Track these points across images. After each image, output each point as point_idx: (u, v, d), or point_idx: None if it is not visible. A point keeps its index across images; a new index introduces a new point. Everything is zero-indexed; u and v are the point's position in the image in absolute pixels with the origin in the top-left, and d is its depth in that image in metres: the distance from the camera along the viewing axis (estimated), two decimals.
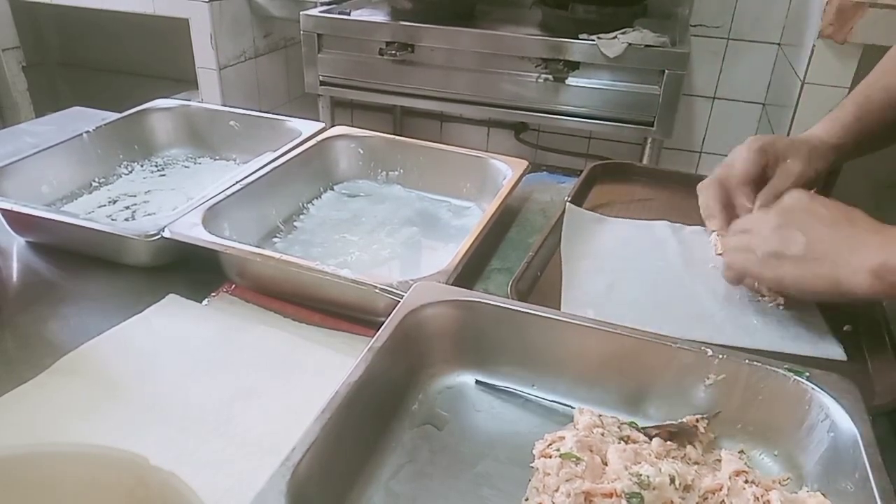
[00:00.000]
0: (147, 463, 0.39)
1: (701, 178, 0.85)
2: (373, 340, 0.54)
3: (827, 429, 0.49)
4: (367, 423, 0.52)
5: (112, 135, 0.98)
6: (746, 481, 0.47)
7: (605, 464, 0.48)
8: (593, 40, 1.58)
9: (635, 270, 0.75)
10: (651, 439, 0.52)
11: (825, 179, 0.81)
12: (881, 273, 0.56)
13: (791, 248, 0.62)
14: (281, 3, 2.02)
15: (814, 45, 1.52)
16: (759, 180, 0.77)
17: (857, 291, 0.58)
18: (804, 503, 0.46)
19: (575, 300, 0.70)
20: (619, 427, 0.53)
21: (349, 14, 1.78)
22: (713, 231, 0.79)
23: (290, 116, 1.02)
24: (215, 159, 1.04)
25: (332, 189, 0.96)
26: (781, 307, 0.68)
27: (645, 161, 1.72)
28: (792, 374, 0.52)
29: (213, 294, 0.72)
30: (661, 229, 0.83)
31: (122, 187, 0.95)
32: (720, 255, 0.76)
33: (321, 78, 1.82)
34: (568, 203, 0.85)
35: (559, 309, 0.68)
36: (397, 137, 1.00)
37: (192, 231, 0.72)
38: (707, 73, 2.08)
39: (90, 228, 0.74)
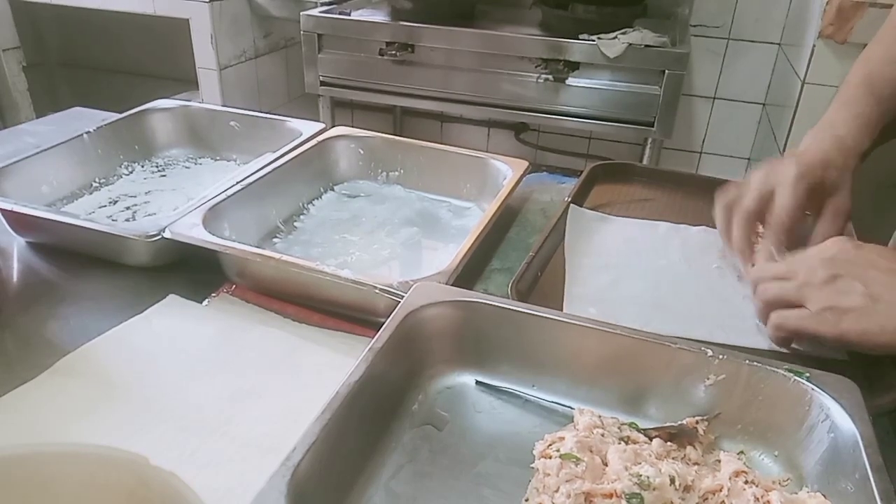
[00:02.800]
0: (147, 463, 0.39)
1: (701, 178, 0.85)
2: (373, 341, 0.54)
3: (827, 429, 0.49)
4: (367, 423, 0.52)
5: (112, 135, 0.98)
6: (746, 482, 0.47)
7: (606, 464, 0.48)
8: (593, 40, 1.58)
9: (638, 269, 0.75)
10: (651, 440, 0.52)
11: None
12: None
13: (850, 300, 0.56)
14: (281, 3, 2.02)
15: (814, 45, 1.52)
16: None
17: None
18: None
19: (578, 298, 0.70)
20: (619, 428, 0.53)
21: (349, 14, 1.78)
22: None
23: (291, 117, 1.02)
24: (215, 160, 1.04)
25: (332, 189, 0.96)
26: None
27: (645, 161, 1.72)
28: (792, 374, 0.52)
29: (213, 294, 0.72)
30: (666, 229, 0.83)
31: (122, 188, 0.95)
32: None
33: (321, 78, 1.83)
34: (571, 205, 0.85)
35: (561, 308, 0.68)
36: (397, 138, 1.00)
37: (193, 231, 0.72)
38: (707, 73, 2.08)
39: (90, 229, 0.74)
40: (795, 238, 0.69)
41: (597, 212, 0.86)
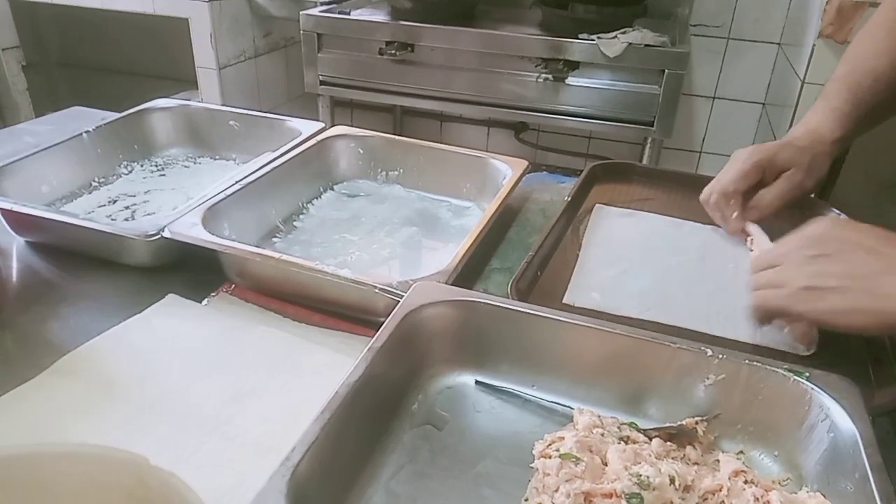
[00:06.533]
0: (147, 463, 0.39)
1: (701, 178, 0.85)
2: (373, 340, 0.54)
3: (827, 429, 0.49)
4: (367, 423, 0.52)
5: (112, 135, 0.98)
6: (746, 482, 0.47)
7: (605, 464, 0.48)
8: (593, 40, 1.58)
9: (650, 263, 0.76)
10: (651, 440, 0.52)
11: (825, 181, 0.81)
12: None
13: (827, 279, 0.57)
14: (281, 3, 2.02)
15: (814, 45, 1.52)
16: (750, 192, 0.77)
17: None
18: None
19: (582, 285, 0.70)
20: (618, 428, 0.53)
21: (349, 14, 1.78)
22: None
23: (290, 116, 1.02)
24: (215, 159, 1.04)
25: (332, 189, 0.96)
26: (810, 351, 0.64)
27: (645, 161, 1.72)
28: (792, 374, 0.52)
29: (213, 294, 0.72)
30: (690, 228, 0.83)
31: (121, 187, 0.95)
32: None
33: (321, 78, 1.82)
34: (596, 203, 0.86)
35: (560, 302, 0.68)
36: (397, 137, 1.00)
37: (192, 231, 0.72)
38: (707, 72, 2.08)
39: (90, 228, 0.74)
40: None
41: (623, 208, 0.87)
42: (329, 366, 0.61)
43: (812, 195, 0.80)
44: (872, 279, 0.55)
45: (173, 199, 0.92)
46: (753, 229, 0.76)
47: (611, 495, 0.44)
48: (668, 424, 0.54)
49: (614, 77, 1.62)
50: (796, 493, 0.48)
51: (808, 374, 0.52)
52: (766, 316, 0.63)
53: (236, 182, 0.82)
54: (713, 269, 0.75)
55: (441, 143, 0.97)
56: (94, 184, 0.94)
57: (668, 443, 0.52)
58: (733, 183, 0.76)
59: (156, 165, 1.01)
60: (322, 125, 1.00)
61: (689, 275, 0.74)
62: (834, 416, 0.49)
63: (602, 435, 0.51)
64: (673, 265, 0.75)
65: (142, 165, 1.01)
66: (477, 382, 0.60)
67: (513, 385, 0.59)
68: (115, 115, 1.01)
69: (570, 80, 1.64)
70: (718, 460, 0.51)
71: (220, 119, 1.05)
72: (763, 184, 0.77)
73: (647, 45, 1.56)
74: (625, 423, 0.54)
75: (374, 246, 0.83)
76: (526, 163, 0.90)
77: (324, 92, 1.86)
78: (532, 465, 0.49)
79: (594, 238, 0.80)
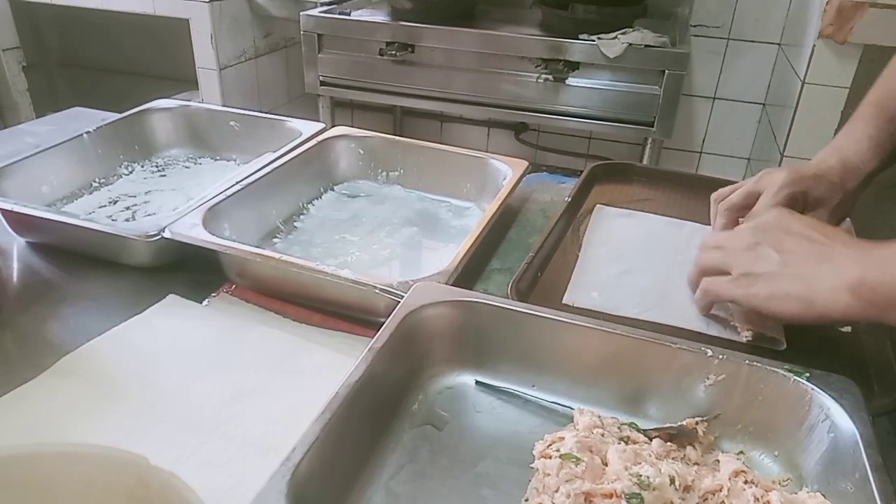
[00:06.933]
0: (147, 463, 0.39)
1: (701, 178, 0.85)
2: (373, 341, 0.54)
3: (827, 429, 0.49)
4: (367, 423, 0.52)
5: (112, 135, 0.98)
6: (746, 482, 0.47)
7: (605, 464, 0.48)
8: (593, 40, 1.58)
9: (651, 262, 0.76)
10: (651, 440, 0.52)
11: None
12: (858, 290, 0.53)
13: (764, 265, 0.59)
14: (281, 3, 2.02)
15: (814, 45, 1.52)
16: None
17: (831, 311, 0.54)
18: None
19: (582, 285, 0.71)
20: (619, 428, 0.53)
21: (349, 14, 1.78)
22: None
23: (291, 117, 1.02)
24: (215, 160, 1.04)
25: (332, 189, 0.96)
26: (747, 339, 0.64)
27: (645, 161, 1.72)
28: (792, 374, 0.52)
29: (213, 294, 0.72)
30: (690, 229, 0.83)
31: (122, 188, 0.95)
32: None
33: (321, 78, 1.82)
34: (597, 204, 0.86)
35: (560, 303, 0.68)
36: (397, 138, 1.00)
37: (193, 231, 0.72)
38: (707, 73, 2.08)
39: (90, 229, 0.74)
40: None
41: (623, 209, 0.87)
42: (329, 366, 0.61)
43: None
44: (803, 266, 0.57)
45: (174, 199, 0.92)
46: None
47: (611, 495, 0.44)
48: (668, 425, 0.54)
49: (614, 77, 1.62)
50: (796, 493, 0.48)
51: (808, 374, 0.52)
52: (711, 301, 0.65)
53: (237, 183, 0.82)
54: None
55: (441, 143, 0.97)
56: (94, 184, 0.94)
57: (669, 443, 0.52)
58: None
59: (156, 166, 1.01)
60: (322, 126, 1.00)
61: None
62: (834, 416, 0.49)
63: (602, 435, 0.51)
64: (673, 265, 0.75)
65: (142, 166, 1.01)
66: (477, 382, 0.60)
67: (513, 385, 0.59)
68: (116, 116, 1.01)
69: (571, 81, 1.64)
70: (718, 460, 0.51)
71: (220, 120, 1.05)
72: None
73: (647, 46, 1.56)
74: (625, 424, 0.54)
75: (374, 246, 0.83)
76: (526, 163, 0.90)
77: (324, 92, 1.86)
78: (532, 465, 0.49)
79: (594, 238, 0.80)
